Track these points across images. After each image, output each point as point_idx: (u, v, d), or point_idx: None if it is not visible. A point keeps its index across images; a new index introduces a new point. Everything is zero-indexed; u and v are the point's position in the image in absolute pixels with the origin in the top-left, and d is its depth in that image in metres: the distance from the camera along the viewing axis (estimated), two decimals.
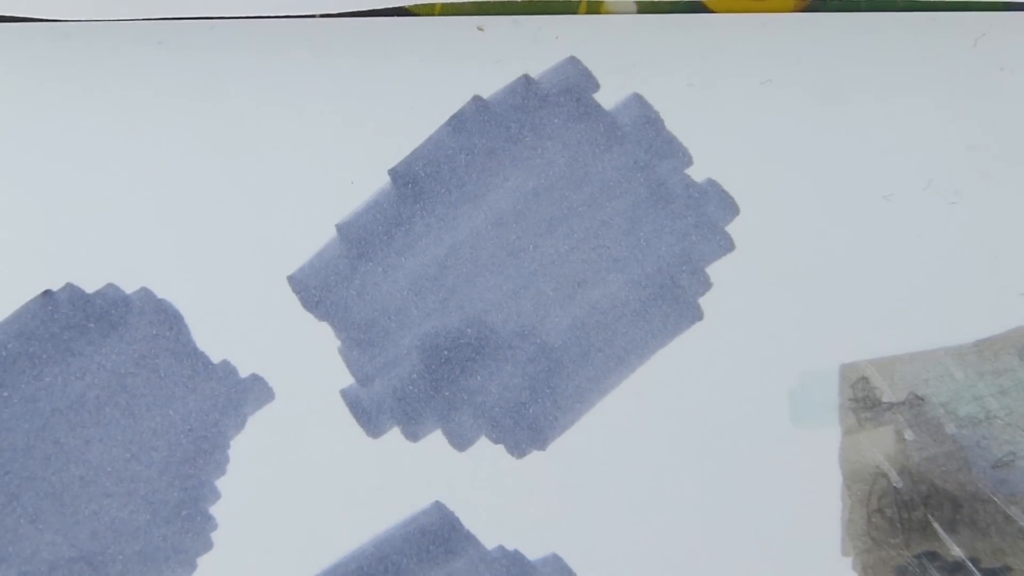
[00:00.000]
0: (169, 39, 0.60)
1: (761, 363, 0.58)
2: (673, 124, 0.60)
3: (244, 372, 0.59)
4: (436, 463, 0.59)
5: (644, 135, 0.60)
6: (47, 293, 0.59)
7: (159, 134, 0.59)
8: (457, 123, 0.60)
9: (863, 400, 0.58)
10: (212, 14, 0.60)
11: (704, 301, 0.59)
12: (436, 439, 0.59)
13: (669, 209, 0.59)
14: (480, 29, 0.60)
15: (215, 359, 0.59)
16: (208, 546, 0.58)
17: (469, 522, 0.58)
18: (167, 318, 0.59)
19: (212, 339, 0.59)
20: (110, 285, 0.59)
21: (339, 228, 0.59)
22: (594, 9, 0.61)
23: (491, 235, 0.59)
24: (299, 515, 0.58)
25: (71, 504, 0.58)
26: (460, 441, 0.59)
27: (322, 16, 0.60)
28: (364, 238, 0.59)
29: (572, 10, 0.61)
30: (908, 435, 0.58)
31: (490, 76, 0.60)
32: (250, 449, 0.58)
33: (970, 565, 0.58)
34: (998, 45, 0.60)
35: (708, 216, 0.59)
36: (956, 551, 0.58)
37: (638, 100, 0.60)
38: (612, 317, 0.59)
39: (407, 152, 0.60)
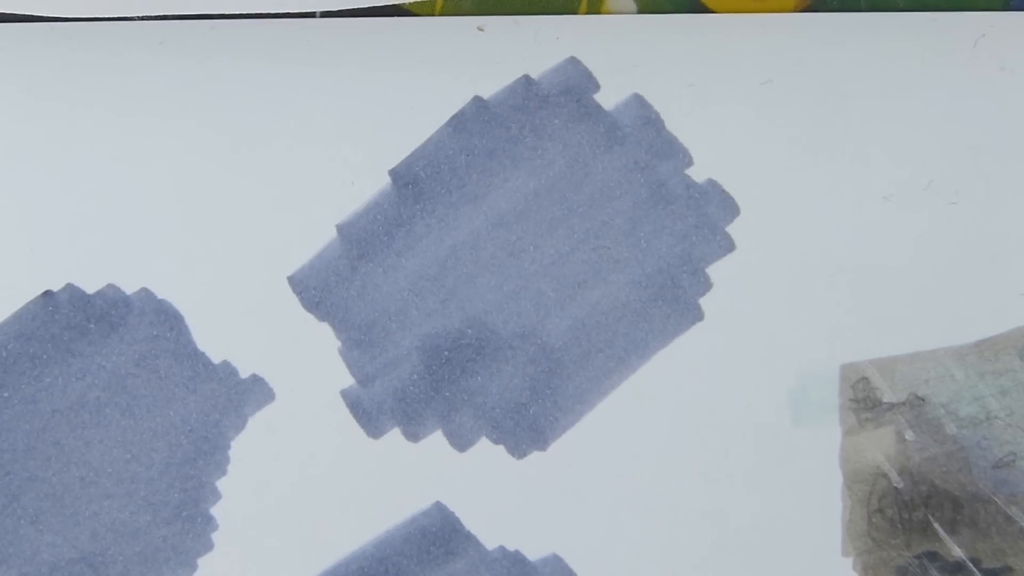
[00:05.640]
0: (169, 39, 0.60)
1: (761, 363, 0.58)
2: (673, 124, 0.60)
3: (244, 372, 0.59)
4: (436, 463, 0.59)
5: (644, 135, 0.60)
6: (47, 293, 0.59)
7: (159, 134, 0.59)
8: (457, 123, 0.60)
9: (863, 400, 0.58)
10: (212, 12, 0.60)
11: (704, 301, 0.59)
12: (436, 439, 0.59)
13: (669, 210, 0.59)
14: (480, 29, 0.60)
15: (215, 359, 0.59)
16: (208, 546, 0.58)
17: (469, 522, 0.58)
18: (167, 318, 0.59)
19: (212, 339, 0.59)
20: (110, 285, 0.59)
21: (339, 228, 0.59)
22: (594, 9, 0.61)
23: (491, 236, 0.59)
24: (299, 515, 0.58)
25: (71, 505, 0.58)
26: (460, 441, 0.59)
27: (322, 16, 0.60)
28: (364, 238, 0.59)
29: (572, 10, 0.61)
30: (909, 435, 0.58)
31: (490, 76, 0.60)
32: (250, 449, 0.58)
33: (971, 565, 0.58)
34: (998, 45, 0.60)
35: (708, 216, 0.59)
36: (957, 551, 0.58)
37: (638, 100, 0.60)
38: (612, 318, 0.59)
39: (407, 152, 0.60)
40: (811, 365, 0.58)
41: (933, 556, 0.58)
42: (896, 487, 0.58)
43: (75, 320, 0.59)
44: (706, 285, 0.59)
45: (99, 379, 0.58)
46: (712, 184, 0.59)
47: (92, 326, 0.59)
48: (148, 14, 0.60)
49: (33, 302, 0.59)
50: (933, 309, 0.58)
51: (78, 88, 0.60)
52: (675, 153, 0.60)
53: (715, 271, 0.59)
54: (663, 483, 0.58)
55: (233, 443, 0.58)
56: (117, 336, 0.59)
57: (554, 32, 0.60)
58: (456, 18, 0.60)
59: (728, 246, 0.59)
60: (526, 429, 0.59)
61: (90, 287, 0.59)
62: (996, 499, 0.58)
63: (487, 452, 0.59)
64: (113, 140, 0.59)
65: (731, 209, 0.59)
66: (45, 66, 0.60)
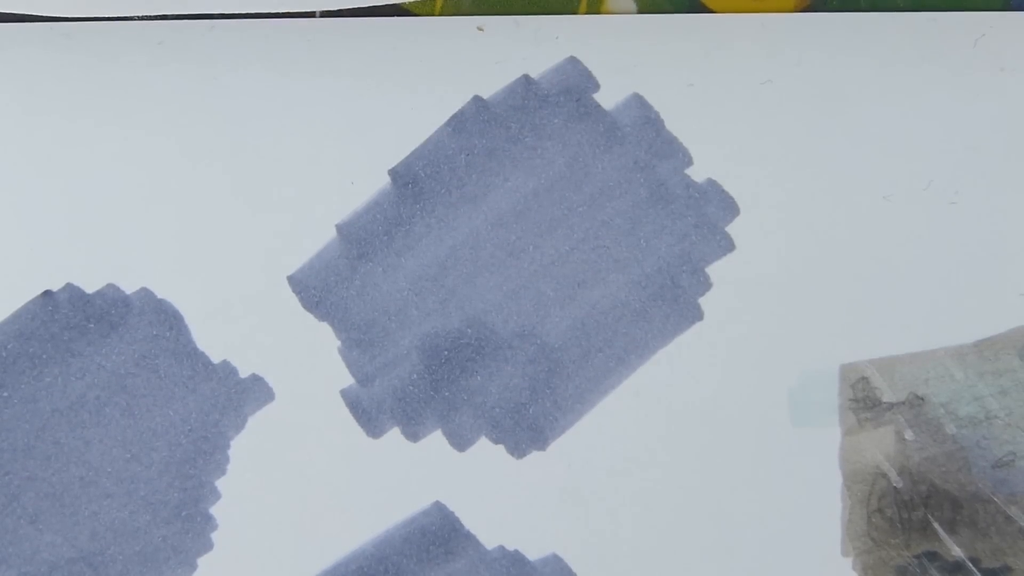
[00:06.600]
0: (169, 39, 0.60)
1: (761, 363, 0.58)
2: (673, 124, 0.60)
3: (244, 372, 0.59)
4: (436, 463, 0.59)
5: (644, 135, 0.60)
6: (47, 293, 0.59)
7: (159, 134, 0.59)
8: (457, 123, 0.60)
9: (863, 400, 0.58)
10: (212, 12, 0.60)
11: (704, 301, 0.59)
12: (436, 439, 0.59)
13: (669, 209, 0.59)
14: (480, 29, 0.60)
15: (215, 359, 0.59)
16: (208, 546, 0.58)
17: (469, 522, 0.58)
18: (167, 318, 0.59)
19: (212, 339, 0.59)
20: (110, 285, 0.59)
21: (339, 228, 0.59)
22: (594, 9, 0.61)
23: (491, 235, 0.59)
24: (299, 515, 0.58)
25: (71, 505, 0.58)
26: (460, 441, 0.59)
27: (322, 16, 0.60)
28: (364, 238, 0.59)
29: (572, 10, 0.61)
30: (908, 435, 0.58)
31: (490, 76, 0.60)
32: (250, 449, 0.58)
33: (970, 565, 0.58)
34: (998, 45, 0.60)
35: (708, 216, 0.59)
36: (956, 551, 0.58)
37: (638, 100, 0.60)
38: (612, 317, 0.59)
39: (407, 152, 0.60)
40: (811, 365, 0.58)
41: (933, 556, 0.58)
42: (896, 487, 0.58)
43: (75, 320, 0.59)
44: (706, 285, 0.59)
45: (99, 379, 0.58)
46: (712, 184, 0.59)
47: (92, 326, 0.59)
48: (148, 14, 0.60)
49: (33, 302, 0.59)
50: (933, 309, 0.58)
51: (78, 88, 0.60)
52: (675, 153, 0.60)
53: (715, 271, 0.59)
54: (663, 483, 0.58)
55: (233, 443, 0.58)
56: (117, 336, 0.59)
57: (554, 32, 0.60)
58: (456, 18, 0.60)
59: (728, 246, 0.59)
60: (526, 429, 0.59)
61: (90, 287, 0.59)
62: (996, 499, 0.58)
63: (487, 452, 0.59)
64: (113, 140, 0.59)
65: (731, 209, 0.59)
66: (45, 66, 0.60)
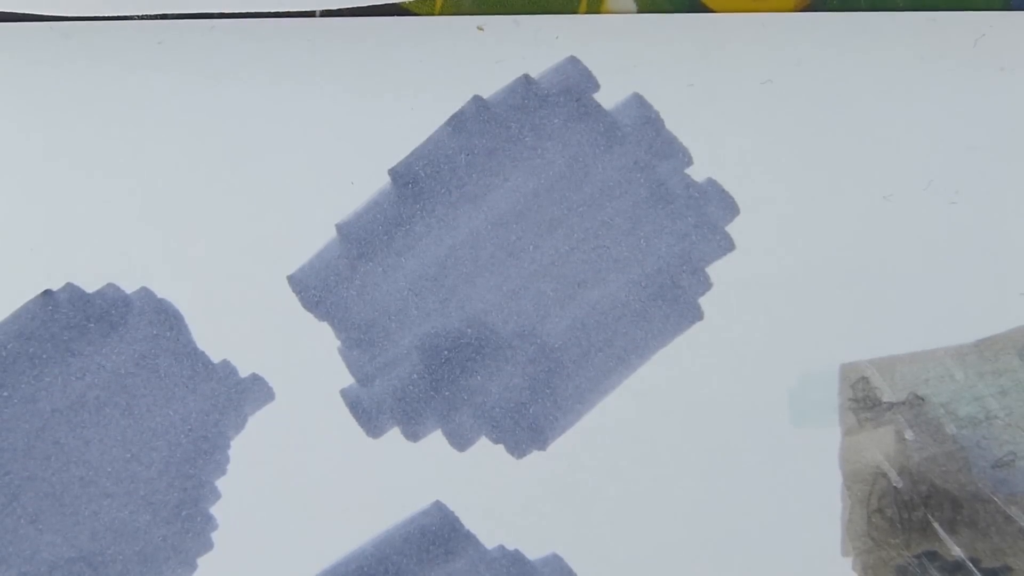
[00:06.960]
0: (169, 39, 0.60)
1: (761, 363, 0.58)
2: (673, 124, 0.60)
3: (244, 372, 0.59)
4: (436, 463, 0.59)
5: (644, 135, 0.60)
6: (47, 293, 0.59)
7: (159, 134, 0.59)
8: (457, 123, 0.60)
9: (863, 400, 0.58)
10: (212, 12, 0.60)
11: (704, 301, 0.59)
12: (436, 439, 0.59)
13: (669, 209, 0.59)
14: (480, 29, 0.60)
15: (215, 359, 0.59)
16: (208, 546, 0.58)
17: (469, 522, 0.58)
18: (167, 318, 0.59)
19: (212, 339, 0.59)
20: (110, 285, 0.59)
21: (339, 228, 0.59)
22: (594, 9, 0.61)
23: (491, 235, 0.59)
24: (299, 515, 0.58)
25: (71, 504, 0.58)
26: (460, 441, 0.59)
27: (322, 16, 0.60)
28: (364, 238, 0.59)
29: (572, 10, 0.61)
30: (908, 435, 0.58)
31: (490, 76, 0.60)
32: (250, 449, 0.58)
33: (970, 565, 0.58)
34: (998, 45, 0.60)
35: (708, 216, 0.59)
36: (956, 551, 0.58)
37: (638, 100, 0.60)
38: (612, 317, 0.59)
39: (407, 152, 0.60)
40: (811, 365, 0.58)
41: (933, 556, 0.58)
42: (896, 487, 0.58)
43: (75, 320, 0.59)
44: (706, 285, 0.59)
45: (99, 379, 0.58)
46: (712, 184, 0.59)
47: (92, 326, 0.59)
48: (148, 14, 0.60)
49: (33, 301, 0.59)
50: (933, 309, 0.58)
51: (78, 88, 0.60)
52: (675, 153, 0.60)
53: (715, 271, 0.59)
54: (663, 483, 0.58)
55: (233, 443, 0.58)
56: (117, 336, 0.59)
57: (554, 32, 0.60)
58: (456, 18, 0.60)
59: (728, 246, 0.59)
60: (526, 429, 0.59)
61: (90, 287, 0.59)
62: (996, 499, 0.58)
63: (487, 452, 0.59)
64: (113, 140, 0.59)
65: (731, 209, 0.59)
66: (45, 66, 0.60)
